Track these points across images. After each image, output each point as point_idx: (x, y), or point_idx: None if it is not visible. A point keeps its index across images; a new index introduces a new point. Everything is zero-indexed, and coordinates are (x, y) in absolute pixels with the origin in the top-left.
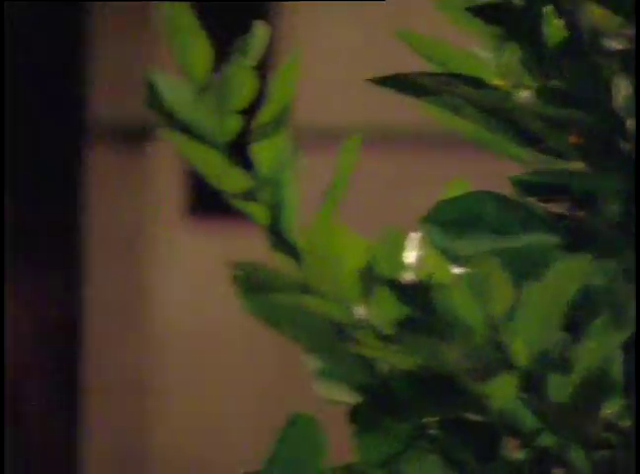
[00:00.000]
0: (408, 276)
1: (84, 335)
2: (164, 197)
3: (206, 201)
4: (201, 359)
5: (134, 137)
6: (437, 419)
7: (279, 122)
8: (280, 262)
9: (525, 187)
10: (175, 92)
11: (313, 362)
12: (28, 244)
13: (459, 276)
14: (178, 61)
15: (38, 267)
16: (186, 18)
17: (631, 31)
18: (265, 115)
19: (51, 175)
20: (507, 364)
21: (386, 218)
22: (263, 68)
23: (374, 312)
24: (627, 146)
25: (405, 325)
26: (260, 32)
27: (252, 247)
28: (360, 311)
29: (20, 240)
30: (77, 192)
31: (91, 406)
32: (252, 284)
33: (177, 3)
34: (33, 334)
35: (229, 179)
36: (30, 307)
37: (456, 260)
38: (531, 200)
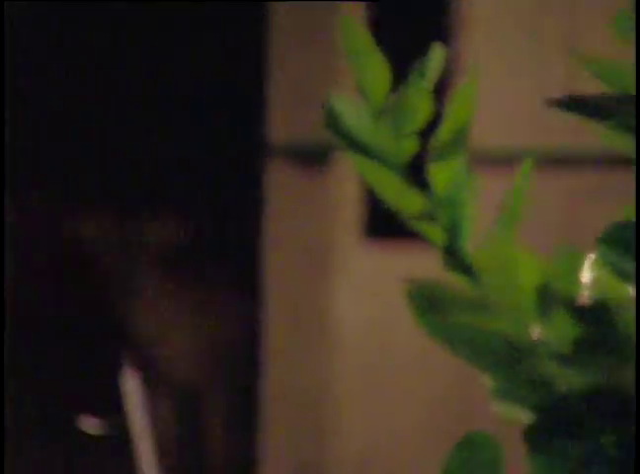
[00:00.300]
0: (585, 296)
1: (263, 353)
2: (342, 218)
3: (383, 222)
4: (377, 377)
5: (312, 157)
6: (613, 439)
7: (456, 144)
8: (455, 282)
9: None
10: (353, 114)
11: (489, 381)
12: (208, 263)
13: (636, 297)
14: (356, 83)
15: (217, 285)
16: (364, 40)
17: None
18: (442, 136)
19: (230, 195)
20: None
21: (561, 238)
22: (439, 88)
23: (551, 331)
24: None
25: (582, 345)
26: (437, 53)
27: (427, 268)
28: (537, 330)
29: (201, 259)
30: (255, 211)
31: (269, 421)
32: (427, 304)
33: (355, 25)
34: (212, 351)
35: (406, 199)
36: (210, 324)
37: (632, 280)
38: None
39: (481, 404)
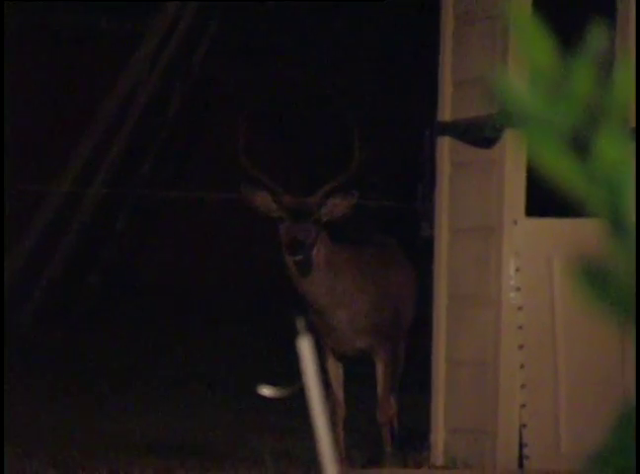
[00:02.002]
0: None
1: (436, 317)
2: (507, 195)
3: (546, 201)
4: (539, 349)
5: (480, 133)
6: None
7: (620, 119)
8: (615, 254)
9: None
10: (519, 87)
11: None
12: (381, 235)
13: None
14: (524, 58)
15: (389, 256)
16: (531, 19)
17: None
18: (606, 109)
19: (402, 169)
20: None
21: None
22: (603, 62)
23: None
24: None
25: None
26: (599, 29)
27: (587, 244)
28: None
29: (374, 232)
30: (425, 185)
31: (440, 381)
32: (591, 278)
33: (523, 5)
34: (381, 319)
35: (570, 170)
36: (381, 293)
37: None
38: None
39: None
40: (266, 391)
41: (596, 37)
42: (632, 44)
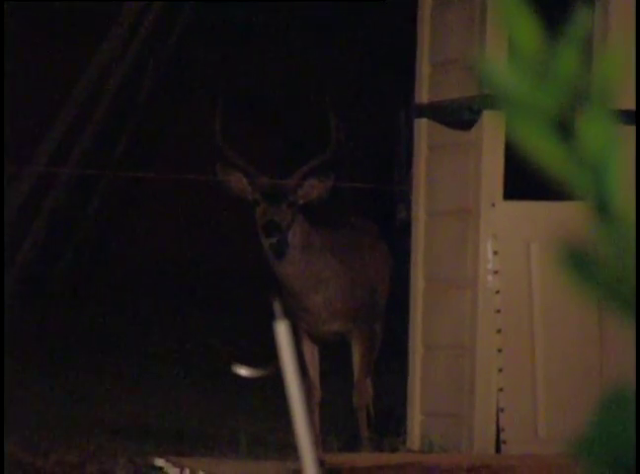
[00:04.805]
0: None
1: (412, 300)
2: (485, 178)
3: (525, 184)
4: (516, 333)
5: (458, 115)
6: None
7: (604, 101)
8: (600, 237)
9: None
10: (503, 69)
11: (632, 337)
12: (356, 216)
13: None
14: (506, 38)
15: (365, 237)
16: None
17: None
18: (591, 92)
19: (378, 151)
20: None
21: None
22: (587, 45)
23: None
24: None
25: None
26: (584, 13)
27: (566, 226)
28: None
29: (349, 213)
30: (402, 167)
31: (417, 365)
32: (575, 262)
33: None
34: (358, 301)
35: (554, 152)
36: (356, 275)
37: None
38: None
39: (621, 355)
40: (241, 370)
41: (582, 17)
42: (614, 25)
